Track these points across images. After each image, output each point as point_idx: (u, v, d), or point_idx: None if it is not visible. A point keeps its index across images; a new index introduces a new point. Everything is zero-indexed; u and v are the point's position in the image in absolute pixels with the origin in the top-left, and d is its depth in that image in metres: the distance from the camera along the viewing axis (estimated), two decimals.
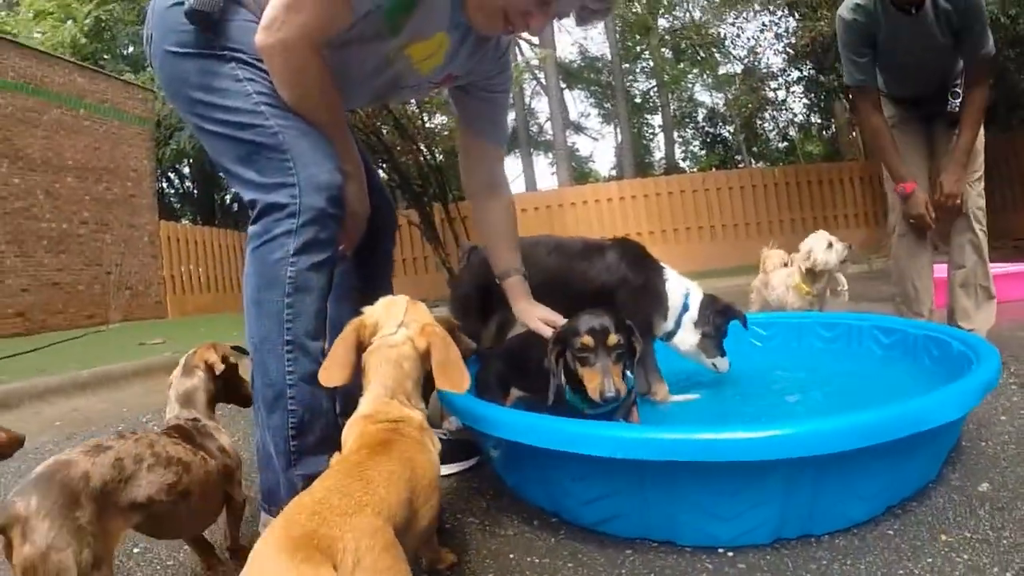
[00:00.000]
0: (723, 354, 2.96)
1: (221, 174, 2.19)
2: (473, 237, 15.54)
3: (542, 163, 35.26)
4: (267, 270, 1.85)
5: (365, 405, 1.55)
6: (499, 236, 2.59)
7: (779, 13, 16.60)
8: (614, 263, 2.87)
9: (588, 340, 2.03)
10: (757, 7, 16.51)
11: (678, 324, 2.89)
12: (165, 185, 26.32)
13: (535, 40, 26.65)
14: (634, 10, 24.79)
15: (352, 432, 1.50)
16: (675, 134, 30.79)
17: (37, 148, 12.75)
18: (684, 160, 32.58)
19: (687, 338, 2.90)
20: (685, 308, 2.88)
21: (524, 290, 2.55)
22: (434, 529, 1.60)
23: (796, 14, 15.24)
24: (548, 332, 2.32)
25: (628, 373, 2.17)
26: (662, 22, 24.91)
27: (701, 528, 1.75)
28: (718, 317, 2.87)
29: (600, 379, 1.99)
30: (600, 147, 65.55)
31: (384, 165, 16.68)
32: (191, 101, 1.94)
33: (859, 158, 18.68)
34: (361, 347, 1.62)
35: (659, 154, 33.64)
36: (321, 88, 1.93)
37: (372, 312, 1.68)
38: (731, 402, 2.88)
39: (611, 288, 2.84)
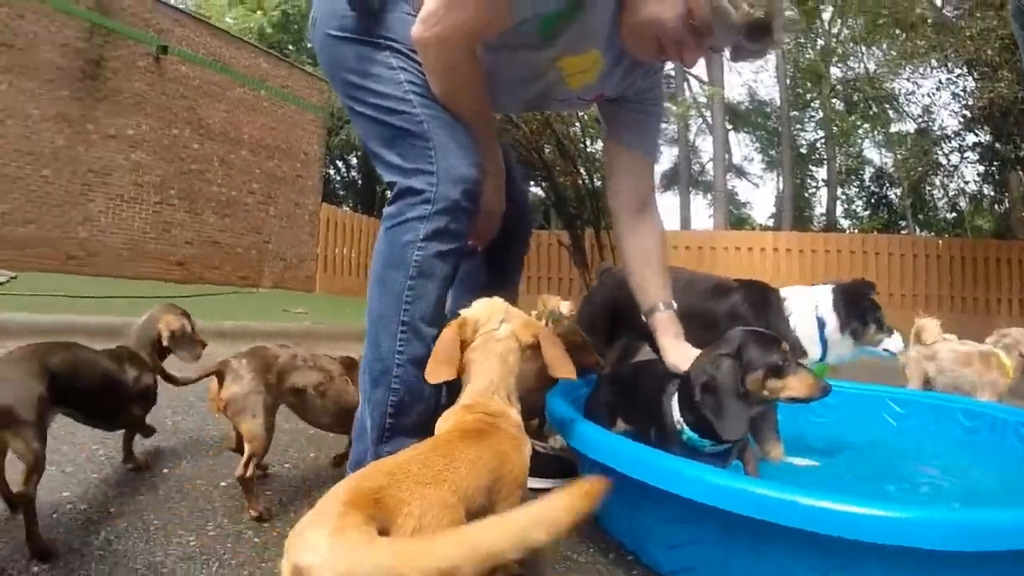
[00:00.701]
0: (888, 332, 2.78)
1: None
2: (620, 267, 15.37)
3: (699, 203, 34.78)
4: (395, 251, 1.90)
5: (466, 396, 1.59)
6: (648, 264, 2.39)
7: (956, 71, 15.60)
8: (738, 305, 2.75)
9: (785, 346, 1.96)
10: (934, 63, 15.55)
11: (824, 344, 2.70)
12: (332, 171, 27.63)
13: (704, 77, 26.57)
14: (806, 56, 24.11)
15: (448, 420, 1.54)
16: (839, 190, 29.58)
17: (218, 120, 13.95)
18: (845, 218, 31.29)
19: (842, 349, 2.72)
20: (822, 325, 2.69)
21: (674, 326, 2.34)
22: None
23: (975, 73, 14.27)
24: None
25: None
26: (835, 71, 24.13)
27: None
28: (853, 308, 2.69)
29: (811, 378, 1.93)
30: (760, 194, 63.82)
31: (542, 183, 16.91)
32: (346, 83, 2.02)
33: None
34: (463, 345, 1.66)
35: (819, 209, 32.53)
36: (470, 86, 1.98)
37: (472, 311, 1.71)
38: (849, 475, 2.65)
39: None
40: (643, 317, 2.40)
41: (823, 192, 31.15)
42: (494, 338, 1.63)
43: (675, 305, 2.36)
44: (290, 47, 21.35)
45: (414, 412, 1.87)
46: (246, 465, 1.98)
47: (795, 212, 27.15)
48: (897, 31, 14.95)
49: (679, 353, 2.22)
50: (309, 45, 22.36)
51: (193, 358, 2.47)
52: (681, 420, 1.99)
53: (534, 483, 2.37)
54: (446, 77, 1.93)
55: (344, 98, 2.06)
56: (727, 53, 2.02)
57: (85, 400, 2.03)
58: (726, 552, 1.66)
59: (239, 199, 14.33)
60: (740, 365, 1.91)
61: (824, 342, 2.67)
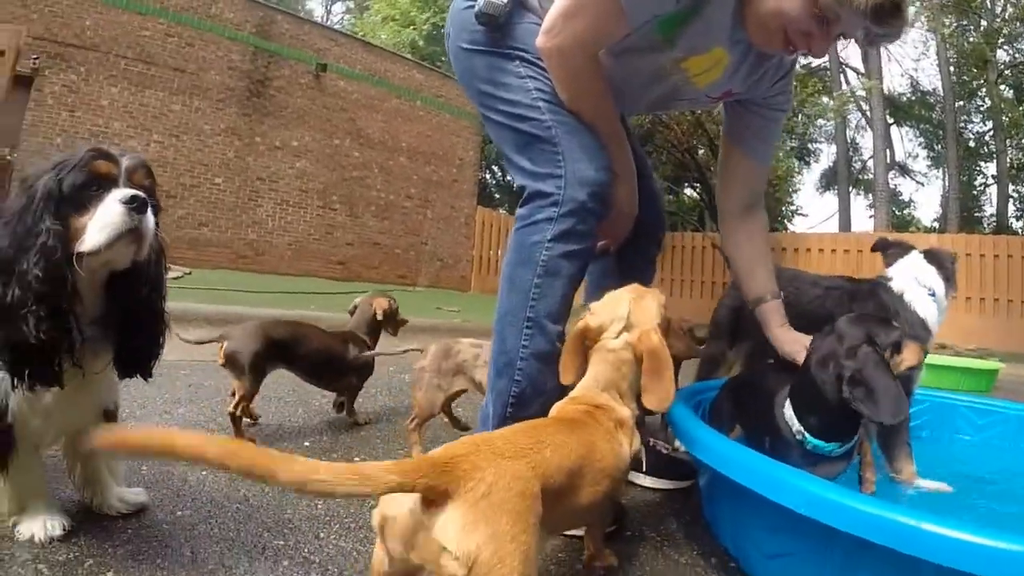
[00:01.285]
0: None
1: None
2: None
3: (860, 203, 33.31)
4: (524, 250, 1.97)
5: (576, 390, 1.67)
6: (754, 259, 2.46)
7: None
8: (843, 298, 2.72)
9: (896, 324, 1.96)
10: None
11: (940, 310, 2.65)
12: (488, 176, 28.66)
13: (861, 68, 25.65)
14: (970, 39, 22.80)
15: (555, 410, 1.63)
16: (1010, 187, 27.15)
17: (376, 130, 14.91)
18: (1018, 219, 29.12)
19: (941, 304, 2.66)
20: (934, 295, 2.63)
21: (780, 315, 2.40)
22: (598, 519, 1.68)
23: None
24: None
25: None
26: (1001, 54, 22.52)
27: None
28: (938, 265, 2.68)
29: (915, 344, 1.94)
30: (925, 193, 60.54)
31: (696, 184, 16.80)
32: (479, 93, 2.11)
33: None
34: (587, 348, 1.73)
35: (990, 209, 30.11)
36: (594, 92, 2.03)
37: (597, 312, 1.74)
38: (985, 504, 2.40)
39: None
40: (750, 308, 2.45)
41: (993, 190, 28.56)
42: (607, 347, 1.67)
43: (781, 295, 2.41)
44: (443, 59, 22.26)
45: (535, 404, 1.91)
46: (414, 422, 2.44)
47: (962, 212, 25.32)
48: None
49: (790, 339, 2.29)
50: None
51: (394, 332, 3.16)
52: (802, 428, 1.93)
53: (650, 482, 2.51)
54: (570, 85, 1.98)
55: (479, 107, 2.16)
56: (861, 40, 2.01)
57: (305, 363, 2.72)
58: (828, 571, 1.57)
59: (397, 203, 15.11)
60: (879, 349, 1.87)
61: (941, 309, 2.66)
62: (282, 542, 1.68)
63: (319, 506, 1.94)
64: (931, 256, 2.74)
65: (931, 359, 6.87)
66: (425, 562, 1.07)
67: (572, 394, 1.67)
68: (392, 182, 15.00)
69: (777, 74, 2.25)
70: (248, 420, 2.71)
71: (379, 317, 3.00)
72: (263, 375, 2.55)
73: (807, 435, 1.91)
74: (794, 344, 2.23)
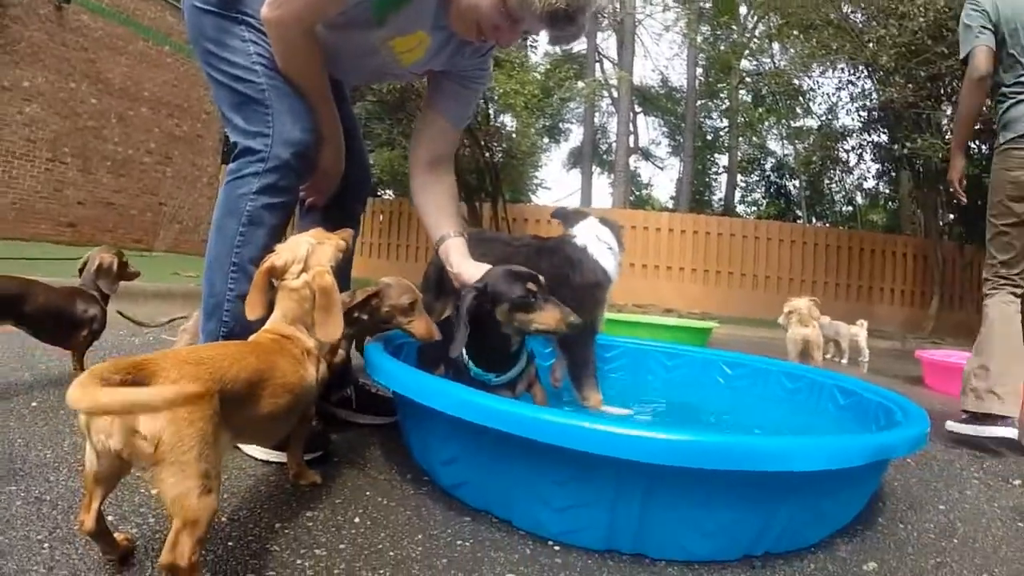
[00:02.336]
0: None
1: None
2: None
3: (603, 182, 35.23)
4: (231, 202, 2.23)
5: (268, 323, 1.88)
6: (439, 206, 2.69)
7: (858, 73, 16.57)
8: (560, 265, 2.96)
9: (533, 285, 2.22)
10: (842, 64, 16.43)
11: (617, 264, 3.08)
12: None
13: (615, 59, 27.03)
14: (720, 48, 24.87)
15: (251, 338, 1.85)
16: (739, 177, 30.84)
17: (118, 75, 13.73)
18: (743, 205, 32.72)
19: (617, 259, 3.11)
20: (611, 249, 3.04)
21: (461, 251, 2.60)
22: (295, 437, 1.98)
23: (874, 77, 15.21)
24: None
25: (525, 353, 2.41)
26: (745, 64, 24.92)
27: (533, 514, 1.83)
28: (615, 233, 3.11)
29: (559, 311, 2.20)
30: (662, 177, 65.12)
31: None
32: (205, 51, 2.31)
33: (918, 235, 18.63)
34: (273, 285, 1.92)
35: (719, 194, 33.67)
36: (307, 62, 2.30)
37: (281, 253, 1.91)
38: (653, 421, 3.02)
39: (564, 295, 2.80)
40: (435, 247, 2.68)
41: (723, 178, 32.26)
42: (289, 287, 1.88)
43: (464, 234, 2.66)
44: None
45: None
46: None
47: (694, 196, 28.40)
48: (808, 30, 15.62)
49: (468, 270, 2.50)
50: None
51: (109, 289, 3.02)
52: (467, 358, 2.33)
53: (359, 418, 2.80)
54: (286, 54, 2.25)
55: (203, 64, 2.35)
56: (546, 36, 2.34)
57: (33, 319, 2.73)
58: (485, 468, 1.92)
59: (135, 158, 14.16)
60: (491, 299, 2.23)
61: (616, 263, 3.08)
62: (14, 487, 1.81)
63: (48, 454, 2.08)
64: (605, 221, 3.14)
65: (658, 320, 8.18)
66: (123, 447, 1.24)
67: (265, 327, 1.86)
68: (131, 135, 14.00)
69: (475, 56, 2.60)
70: None
71: (91, 269, 2.98)
72: None
73: (471, 364, 2.32)
74: (473, 275, 2.43)
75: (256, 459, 2.21)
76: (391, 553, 1.66)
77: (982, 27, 3.59)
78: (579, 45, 25.33)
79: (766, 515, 1.76)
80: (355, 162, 2.74)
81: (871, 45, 13.76)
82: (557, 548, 1.77)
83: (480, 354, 2.33)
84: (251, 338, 1.84)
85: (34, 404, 2.63)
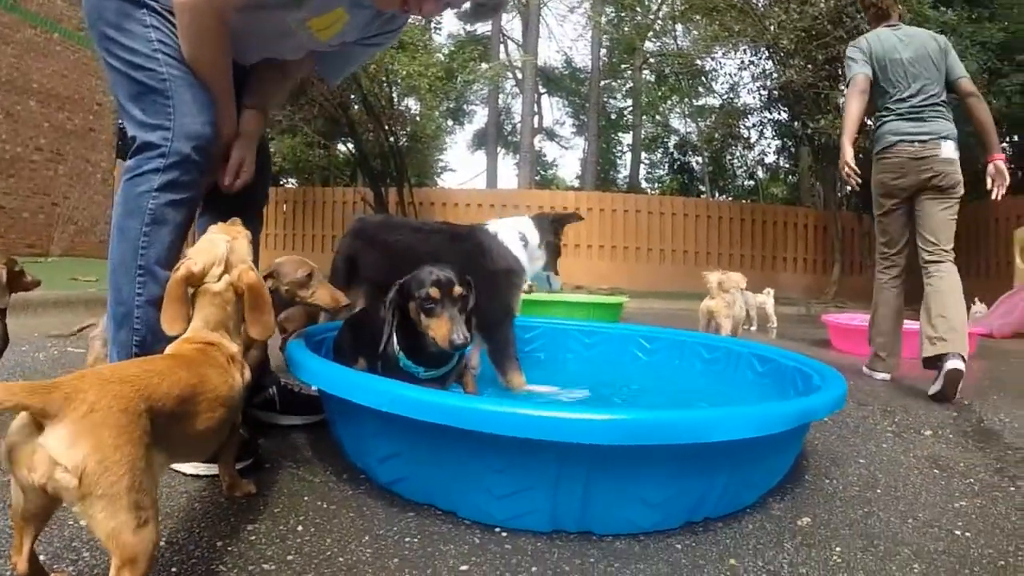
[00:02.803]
0: (557, 272, 3.38)
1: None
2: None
3: (508, 163, 35.38)
4: (131, 201, 2.10)
5: (189, 331, 1.76)
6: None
7: (759, 54, 17.13)
8: (471, 251, 3.09)
9: (435, 291, 2.15)
10: (743, 46, 16.97)
11: (530, 258, 3.21)
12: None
13: (521, 40, 27.10)
14: (624, 29, 25.15)
15: (170, 349, 1.73)
16: (643, 155, 31.53)
17: (4, 66, 12.78)
18: (647, 182, 33.36)
19: (538, 263, 3.27)
20: (525, 242, 3.17)
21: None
22: (225, 447, 1.88)
23: (775, 58, 15.77)
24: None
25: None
26: (649, 45, 25.24)
27: (477, 503, 1.85)
28: (553, 224, 3.28)
29: (449, 326, 2.13)
30: (568, 156, 65.62)
31: (348, 140, 16.96)
32: (102, 36, 2.16)
33: (817, 206, 19.30)
34: (189, 294, 1.82)
35: (624, 172, 34.35)
36: (216, 51, 2.21)
37: (197, 257, 1.81)
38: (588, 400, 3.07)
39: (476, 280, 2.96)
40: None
41: (628, 157, 32.95)
42: (211, 291, 1.79)
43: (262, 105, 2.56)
44: None
45: (157, 350, 1.91)
46: None
47: (600, 175, 28.78)
48: (712, 12, 16.07)
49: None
50: None
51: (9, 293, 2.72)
52: (398, 350, 2.29)
53: (285, 420, 2.74)
54: (196, 42, 2.14)
55: (100, 49, 2.22)
56: (466, 9, 2.35)
57: None
58: (424, 462, 1.93)
59: (25, 156, 13.24)
60: (403, 295, 2.25)
61: (531, 257, 3.21)
62: None
63: None
64: (537, 219, 3.33)
65: (569, 297, 8.34)
66: (46, 480, 1.14)
67: (184, 336, 1.74)
68: (19, 131, 13.01)
69: (388, 26, 2.57)
70: None
71: None
72: None
73: (401, 356, 2.27)
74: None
75: (186, 475, 2.13)
76: (341, 559, 1.63)
77: (864, 60, 4.54)
78: (483, 27, 25.39)
79: (706, 482, 1.85)
80: (260, 161, 2.63)
81: (772, 28, 14.25)
82: (504, 534, 1.79)
83: (412, 348, 2.27)
84: (171, 348, 1.73)
85: None
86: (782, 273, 17.17)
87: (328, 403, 2.36)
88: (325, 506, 1.96)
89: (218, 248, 1.83)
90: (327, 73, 2.77)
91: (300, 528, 1.79)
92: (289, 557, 1.62)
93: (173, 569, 1.53)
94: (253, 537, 1.72)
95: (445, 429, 1.70)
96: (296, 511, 1.90)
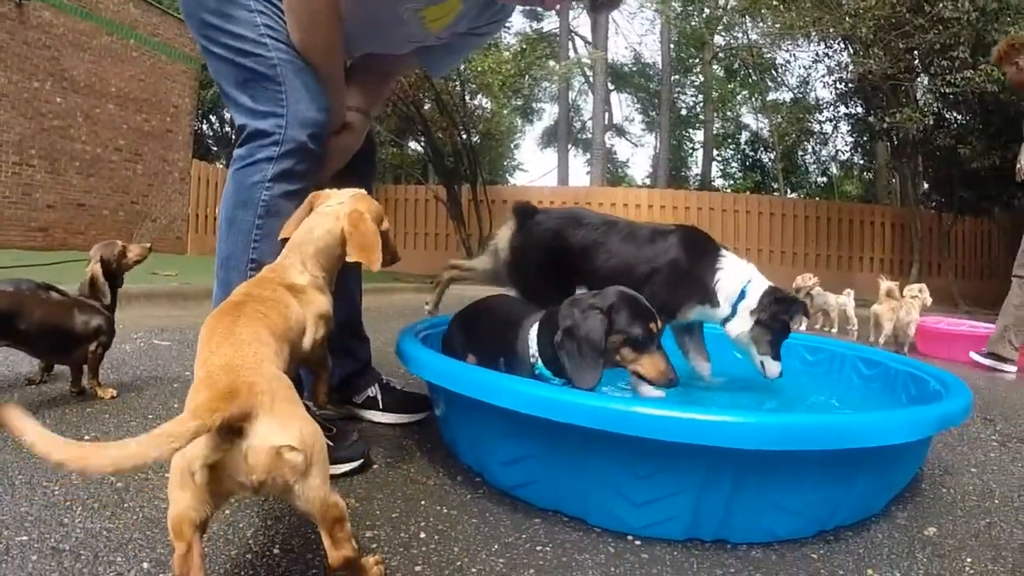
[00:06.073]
0: (776, 357, 2.87)
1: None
2: (497, 223, 15.94)
3: (579, 160, 35.24)
4: (243, 191, 2.03)
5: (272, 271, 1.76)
6: None
7: (834, 46, 16.77)
8: (671, 246, 2.89)
9: (654, 326, 2.02)
10: (813, 36, 16.61)
11: (734, 311, 2.86)
12: (205, 126, 27.00)
13: (590, 37, 27.00)
14: (692, 23, 24.90)
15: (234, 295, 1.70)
16: (715, 152, 31.12)
17: (83, 72, 13.39)
18: (720, 179, 32.97)
19: (739, 325, 2.85)
20: (742, 296, 2.84)
21: None
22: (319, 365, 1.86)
23: (850, 49, 15.42)
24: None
25: None
26: (718, 39, 24.96)
27: (611, 510, 1.77)
28: (776, 305, 2.80)
29: (664, 364, 2.01)
30: (639, 153, 64.45)
31: (420, 138, 17.09)
32: (203, 23, 2.09)
33: (894, 204, 18.87)
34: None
35: (696, 169, 33.85)
36: (330, 36, 2.11)
37: (334, 191, 1.88)
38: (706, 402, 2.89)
39: (657, 269, 2.84)
40: None
41: (700, 153, 32.46)
42: (321, 209, 1.83)
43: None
44: None
45: None
46: None
47: (671, 172, 28.46)
48: (778, 4, 15.80)
49: None
50: None
51: (103, 298, 2.82)
52: (537, 353, 2.12)
53: (388, 419, 2.68)
54: (308, 27, 2.06)
55: (201, 39, 2.14)
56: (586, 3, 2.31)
57: (27, 337, 2.55)
58: (559, 466, 1.83)
59: (105, 157, 13.88)
60: (608, 323, 1.97)
61: (735, 311, 2.86)
62: (25, 537, 1.59)
63: (56, 492, 1.84)
64: (771, 289, 2.87)
65: None
66: (268, 472, 1.17)
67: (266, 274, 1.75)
68: (99, 133, 13.68)
69: (497, 16, 2.47)
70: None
71: (88, 277, 2.81)
72: None
73: (539, 361, 2.11)
74: None
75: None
76: (473, 570, 1.54)
77: None
78: (551, 24, 25.37)
79: (846, 488, 1.80)
80: (367, 150, 2.60)
81: (848, 19, 13.91)
82: (639, 543, 1.73)
83: (555, 359, 2.06)
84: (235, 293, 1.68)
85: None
86: (858, 273, 16.78)
87: (444, 402, 2.30)
88: (445, 511, 1.87)
89: (349, 192, 1.88)
90: (432, 67, 2.70)
91: (423, 535, 1.71)
92: (417, 568, 1.53)
93: None
94: (375, 545, 1.63)
95: (589, 433, 1.64)
96: (415, 516, 1.82)
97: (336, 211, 1.81)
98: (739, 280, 2.86)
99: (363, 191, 1.92)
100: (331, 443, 1.92)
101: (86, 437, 2.34)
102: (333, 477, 1.85)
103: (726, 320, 2.89)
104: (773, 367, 2.87)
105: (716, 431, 1.57)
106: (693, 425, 1.57)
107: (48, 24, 12.68)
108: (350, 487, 1.99)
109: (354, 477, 2.06)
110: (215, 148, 27.12)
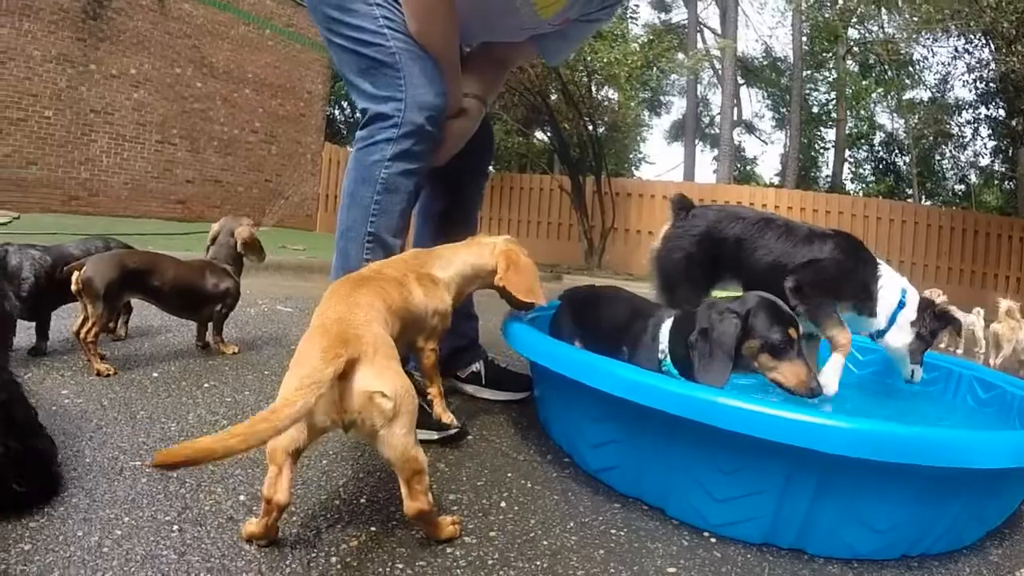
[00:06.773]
0: (921, 364, 2.83)
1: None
2: (620, 215, 15.95)
3: (706, 156, 34.66)
4: (364, 169, 2.20)
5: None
6: None
7: (974, 41, 15.74)
8: (830, 249, 2.76)
9: (794, 332, 1.93)
10: (953, 30, 15.56)
11: (892, 321, 2.75)
12: (337, 112, 28.03)
13: (719, 29, 26.49)
14: (825, 15, 24.01)
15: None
16: (847, 153, 29.69)
17: (221, 59, 14.21)
18: (851, 182, 31.53)
19: (901, 336, 2.75)
20: (901, 305, 2.75)
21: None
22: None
23: (992, 44, 14.43)
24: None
25: None
26: (852, 32, 23.89)
27: (691, 503, 1.76)
28: (935, 321, 2.74)
29: (806, 373, 1.92)
30: (769, 151, 62.32)
31: (546, 129, 17.13)
32: (326, 17, 2.26)
33: None
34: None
35: (826, 171, 32.43)
36: (447, 25, 2.24)
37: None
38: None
39: (816, 262, 2.72)
40: None
41: (831, 154, 31.03)
42: (479, 241, 2.10)
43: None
44: None
45: None
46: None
47: (800, 171, 27.32)
48: None
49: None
50: None
51: (260, 260, 3.22)
52: (667, 350, 2.07)
53: (489, 394, 2.78)
54: (424, 17, 2.19)
55: (324, 31, 2.32)
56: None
57: (161, 293, 2.80)
58: (644, 454, 1.84)
59: (241, 138, 14.67)
60: (743, 327, 1.91)
61: (892, 321, 2.75)
62: (138, 462, 1.77)
63: (172, 428, 2.05)
64: (924, 302, 2.80)
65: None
66: (359, 412, 1.33)
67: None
68: (236, 115, 14.48)
69: (609, 0, 2.52)
70: (111, 336, 3.08)
71: (239, 249, 3.09)
72: (118, 303, 2.73)
73: (668, 358, 2.06)
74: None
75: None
76: (545, 542, 1.59)
77: None
78: (680, 15, 24.93)
79: (938, 512, 1.70)
80: (483, 135, 2.69)
81: (989, 12, 13.10)
82: (714, 540, 1.71)
83: (685, 359, 2.01)
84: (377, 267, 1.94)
85: (155, 375, 2.64)
86: (992, 292, 15.60)
87: (543, 382, 2.35)
88: (529, 485, 1.93)
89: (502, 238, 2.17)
90: (547, 54, 2.74)
91: (503, 504, 1.78)
92: (492, 533, 1.60)
93: (373, 528, 1.56)
94: (456, 508, 1.72)
95: (678, 422, 1.62)
96: (499, 487, 1.90)
97: (491, 246, 2.09)
98: (897, 289, 2.78)
99: (512, 238, 2.17)
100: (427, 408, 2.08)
101: (205, 385, 2.59)
102: (428, 441, 2.03)
103: (880, 332, 2.79)
104: (919, 372, 2.85)
105: (799, 431, 1.52)
106: (776, 422, 1.53)
107: (188, 15, 13.46)
108: (442, 454, 2.09)
109: (448, 446, 2.15)
110: (345, 132, 27.81)
